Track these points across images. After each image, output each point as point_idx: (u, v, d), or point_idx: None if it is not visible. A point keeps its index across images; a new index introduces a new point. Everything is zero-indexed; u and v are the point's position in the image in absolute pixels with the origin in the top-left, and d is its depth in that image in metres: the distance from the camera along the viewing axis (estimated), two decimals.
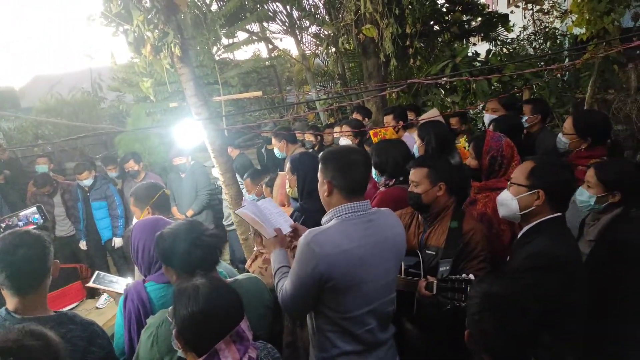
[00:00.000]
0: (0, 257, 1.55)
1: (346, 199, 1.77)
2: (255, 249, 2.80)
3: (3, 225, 1.99)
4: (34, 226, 2.15)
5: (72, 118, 9.14)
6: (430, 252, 2.23)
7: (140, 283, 1.90)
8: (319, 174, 1.85)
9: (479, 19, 7.83)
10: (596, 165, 2.24)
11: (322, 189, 1.82)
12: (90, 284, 2.49)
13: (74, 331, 1.58)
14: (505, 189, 2.02)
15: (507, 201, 1.96)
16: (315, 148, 5.31)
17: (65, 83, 12.19)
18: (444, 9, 7.65)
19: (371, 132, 3.59)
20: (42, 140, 9.49)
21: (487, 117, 3.84)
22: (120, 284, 2.54)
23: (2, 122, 10.04)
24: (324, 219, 1.83)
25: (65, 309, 1.72)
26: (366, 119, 5.41)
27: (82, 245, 5.36)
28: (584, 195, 2.17)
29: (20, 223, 2.12)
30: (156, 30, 3.72)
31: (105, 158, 5.88)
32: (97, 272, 2.63)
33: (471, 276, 1.80)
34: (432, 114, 3.68)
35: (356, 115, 5.62)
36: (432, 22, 7.48)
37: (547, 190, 1.84)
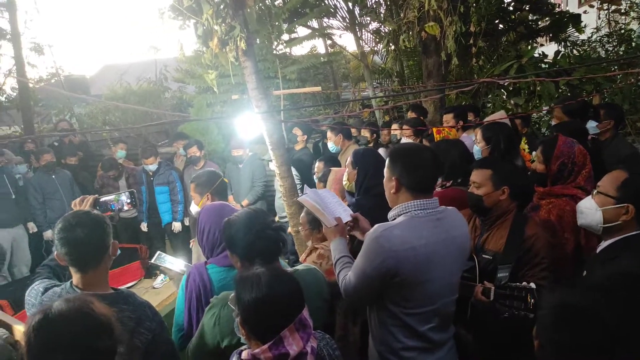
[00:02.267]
0: (61, 234, 1.66)
1: (413, 197, 1.77)
2: (309, 243, 2.84)
3: (100, 206, 2.12)
4: (127, 208, 2.28)
5: (136, 109, 9.62)
6: (487, 256, 2.17)
7: (202, 265, 1.98)
8: (386, 170, 1.86)
9: (548, 18, 7.50)
10: None
11: (389, 185, 1.83)
12: (152, 262, 2.63)
13: (125, 311, 1.64)
14: (589, 197, 1.92)
15: (590, 211, 1.88)
16: (370, 145, 5.31)
17: (131, 73, 12.80)
18: (511, 8, 7.37)
19: (434, 129, 3.54)
20: (109, 127, 10.08)
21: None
22: (177, 265, 2.67)
23: (75, 107, 10.72)
24: (391, 214, 1.83)
25: (124, 287, 1.83)
26: (422, 118, 5.33)
27: (143, 227, 5.66)
28: None
29: (117, 207, 2.24)
30: (223, 24, 3.85)
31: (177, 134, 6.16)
32: (158, 252, 2.77)
33: (532, 285, 1.75)
34: (499, 115, 3.57)
35: (411, 114, 5.56)
36: (497, 21, 7.24)
37: (639, 205, 1.74)
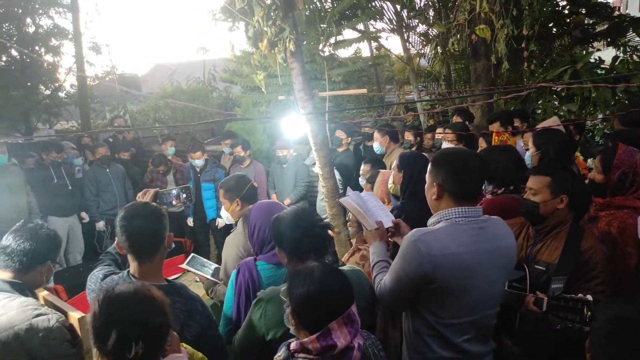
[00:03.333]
0: (122, 222, 1.74)
1: (456, 204, 1.72)
2: (353, 241, 2.84)
3: (157, 200, 2.22)
4: (175, 203, 2.37)
5: (187, 105, 9.92)
6: (539, 267, 2.10)
7: (252, 261, 2.03)
8: (428, 176, 1.81)
9: (605, 22, 7.16)
10: None
11: (431, 191, 1.78)
12: (183, 266, 2.67)
13: (177, 303, 1.69)
14: None
15: None
16: (414, 149, 5.25)
17: (180, 72, 13.23)
18: (566, 11, 7.10)
19: (495, 133, 3.46)
20: (159, 124, 10.45)
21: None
22: (209, 269, 2.70)
23: (128, 105, 11.19)
24: (431, 220, 1.79)
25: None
26: (467, 123, 5.23)
27: (189, 221, 5.83)
28: None
29: (170, 198, 2.33)
30: (273, 26, 3.92)
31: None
32: (192, 254, 2.81)
33: (589, 297, 1.68)
34: (552, 122, 3.45)
35: (457, 118, 5.46)
36: (550, 24, 6.99)
37: None
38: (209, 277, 2.59)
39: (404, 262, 1.69)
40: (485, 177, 1.86)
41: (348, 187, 2.85)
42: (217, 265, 2.70)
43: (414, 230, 1.74)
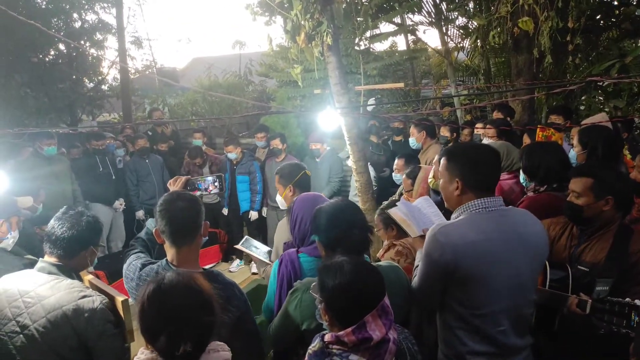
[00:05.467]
0: (163, 206, 1.79)
1: (476, 196, 1.73)
2: (385, 242, 2.85)
3: (190, 185, 2.27)
4: (212, 189, 2.41)
5: (223, 98, 10.09)
6: (583, 268, 2.03)
7: (295, 252, 2.04)
8: (445, 172, 1.81)
9: None
10: None
11: (452, 187, 1.78)
12: (238, 246, 2.76)
13: (216, 289, 1.69)
14: None
15: None
16: (450, 144, 5.15)
17: (217, 66, 13.43)
18: (615, 2, 6.76)
19: (539, 128, 3.36)
20: (196, 117, 10.67)
21: None
22: (261, 249, 2.78)
23: (167, 97, 11.47)
24: (453, 215, 1.81)
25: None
26: (508, 118, 5.07)
27: (224, 212, 5.94)
28: None
29: (204, 186, 2.38)
30: (311, 20, 3.92)
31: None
32: (246, 236, 2.90)
33: (637, 301, 1.61)
34: (600, 118, 3.30)
35: (497, 114, 5.30)
36: (598, 17, 6.68)
37: None
38: (261, 257, 2.65)
39: (426, 257, 1.73)
40: (499, 167, 1.84)
41: (402, 198, 2.87)
42: (269, 248, 2.79)
43: (434, 225, 1.77)
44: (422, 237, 2.05)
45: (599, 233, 2.06)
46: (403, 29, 8.75)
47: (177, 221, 1.76)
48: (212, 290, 1.37)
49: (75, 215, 2.03)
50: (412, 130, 4.67)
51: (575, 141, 2.78)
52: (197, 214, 1.82)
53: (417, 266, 1.97)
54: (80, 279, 2.03)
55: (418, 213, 2.20)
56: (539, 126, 3.44)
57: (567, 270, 2.03)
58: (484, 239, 1.64)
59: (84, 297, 1.84)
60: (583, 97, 7.01)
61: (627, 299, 1.64)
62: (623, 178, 2.16)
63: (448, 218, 1.89)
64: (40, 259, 1.99)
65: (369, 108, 6.80)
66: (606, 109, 6.29)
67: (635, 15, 6.65)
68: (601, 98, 6.76)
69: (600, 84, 6.12)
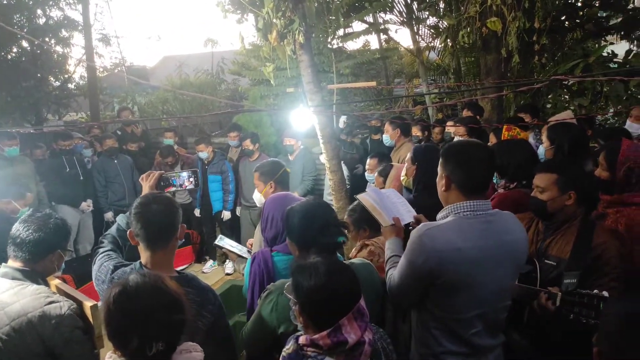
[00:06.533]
0: (138, 209, 1.74)
1: (465, 197, 1.71)
2: (357, 244, 2.84)
3: (163, 181, 2.20)
4: (187, 184, 2.34)
5: (195, 97, 9.95)
6: (549, 262, 2.08)
7: (268, 251, 2.03)
8: (439, 168, 1.81)
9: (620, 15, 7.04)
10: None
11: (440, 183, 1.78)
12: (215, 243, 2.76)
13: (190, 294, 1.68)
14: None
15: None
16: (422, 143, 5.22)
17: (189, 64, 13.23)
18: (579, 4, 6.99)
19: (505, 127, 3.43)
20: (167, 116, 10.48)
21: (629, 125, 3.48)
22: (237, 248, 2.76)
23: (137, 97, 11.23)
24: (440, 214, 1.78)
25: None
26: (477, 117, 5.18)
27: (197, 212, 5.86)
28: None
29: (178, 182, 2.30)
30: (283, 18, 3.90)
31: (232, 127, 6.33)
32: (220, 235, 2.88)
33: (605, 293, 1.66)
34: (565, 115, 3.40)
35: (467, 112, 5.41)
36: (563, 17, 6.89)
37: None
38: (239, 253, 2.62)
39: (410, 257, 1.70)
40: (493, 170, 1.84)
41: (368, 183, 2.86)
42: (245, 247, 2.79)
43: (421, 224, 1.74)
44: (393, 226, 2.06)
45: (563, 227, 2.11)
46: (375, 27, 8.81)
47: (153, 225, 1.72)
48: (180, 290, 1.34)
49: (42, 217, 1.97)
50: (387, 127, 4.71)
51: (544, 138, 2.85)
52: (174, 217, 1.78)
53: (389, 259, 1.95)
54: (47, 284, 1.96)
55: (388, 201, 2.18)
56: (505, 125, 3.52)
57: (535, 265, 2.08)
58: (470, 247, 1.63)
59: (50, 303, 1.78)
60: (550, 96, 7.22)
61: (595, 291, 1.69)
62: (587, 174, 2.23)
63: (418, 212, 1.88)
64: (4, 264, 1.92)
65: (341, 125, 6.83)
66: (571, 107, 6.49)
67: (597, 16, 6.90)
68: (567, 97, 6.97)
69: (566, 83, 6.30)
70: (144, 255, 1.76)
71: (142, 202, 1.77)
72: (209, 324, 1.70)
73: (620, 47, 7.02)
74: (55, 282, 2.02)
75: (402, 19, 7.99)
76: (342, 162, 4.75)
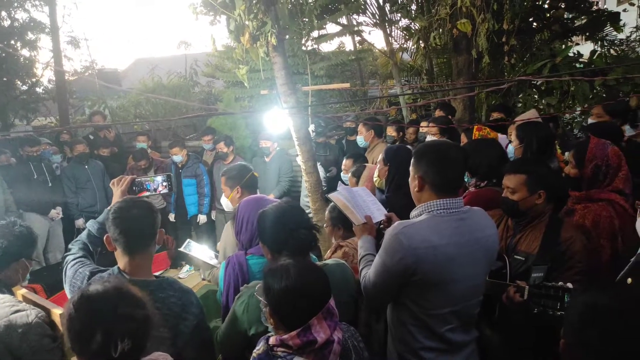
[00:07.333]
0: (118, 214, 1.71)
1: (437, 196, 1.73)
2: (333, 241, 2.85)
3: (137, 186, 2.16)
4: (161, 189, 2.29)
5: (168, 100, 9.79)
6: (519, 257, 2.13)
7: (243, 254, 2.01)
8: (411, 168, 1.83)
9: (584, 17, 7.28)
10: None
11: (413, 183, 1.80)
12: (181, 249, 2.71)
13: (172, 297, 1.70)
14: None
15: None
16: (396, 143, 5.27)
17: (162, 67, 13.01)
18: (546, 6, 7.18)
19: (476, 127, 3.49)
20: (140, 120, 10.29)
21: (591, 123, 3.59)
22: (205, 254, 2.72)
23: (108, 100, 10.98)
24: (413, 213, 1.81)
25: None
26: (450, 117, 5.26)
27: (171, 217, 5.78)
28: None
29: (152, 187, 2.25)
30: (255, 20, 3.88)
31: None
32: (187, 240, 2.82)
33: (569, 285, 1.71)
34: (530, 114, 3.49)
35: (439, 112, 5.50)
36: (531, 19, 7.07)
37: None
38: (206, 260, 2.58)
39: (386, 256, 1.71)
40: (465, 169, 1.87)
41: (340, 182, 2.86)
42: (215, 252, 2.73)
43: (396, 223, 1.76)
44: (365, 224, 2.07)
45: (532, 224, 2.17)
46: (349, 29, 8.86)
47: (133, 230, 1.70)
48: (141, 292, 1.32)
49: (6, 225, 1.92)
50: (361, 128, 4.74)
51: (513, 137, 2.92)
52: (154, 222, 1.76)
53: (362, 257, 1.96)
54: (12, 294, 1.91)
55: (359, 199, 2.19)
56: (476, 125, 3.59)
57: (504, 260, 2.13)
58: (445, 244, 1.65)
59: (16, 312, 1.73)
60: (520, 95, 7.39)
61: (560, 283, 1.74)
62: (554, 173, 2.29)
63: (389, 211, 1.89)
64: None
65: (311, 135, 6.84)
66: (540, 106, 6.66)
67: (564, 18, 7.11)
68: (536, 96, 7.15)
69: (535, 82, 6.46)
70: (122, 261, 1.73)
71: (121, 207, 1.75)
72: (192, 326, 1.70)
73: (585, 48, 7.25)
74: (22, 291, 1.96)
75: (375, 20, 8.05)
76: (318, 163, 4.76)
